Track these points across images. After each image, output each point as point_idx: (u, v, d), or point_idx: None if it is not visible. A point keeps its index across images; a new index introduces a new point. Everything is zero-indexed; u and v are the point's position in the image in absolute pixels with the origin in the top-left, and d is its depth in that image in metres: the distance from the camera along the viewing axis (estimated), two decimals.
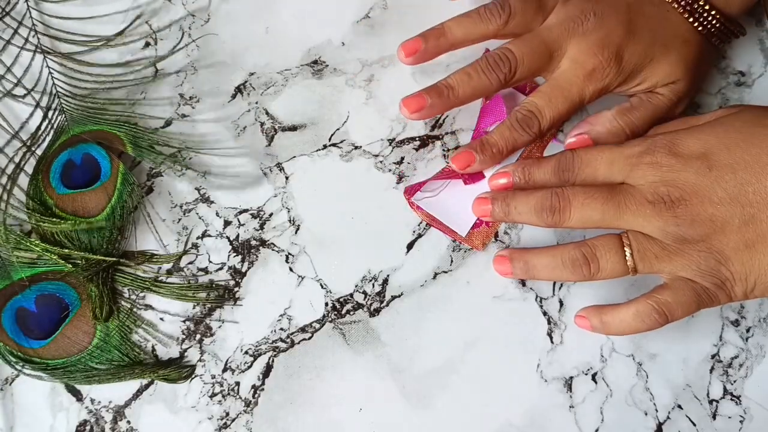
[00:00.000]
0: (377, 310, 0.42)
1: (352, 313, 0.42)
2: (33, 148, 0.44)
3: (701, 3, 0.41)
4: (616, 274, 0.37)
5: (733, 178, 0.35)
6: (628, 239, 0.37)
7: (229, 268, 0.43)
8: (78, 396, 0.41)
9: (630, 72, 0.41)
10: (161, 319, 0.42)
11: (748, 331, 0.43)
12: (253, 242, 0.43)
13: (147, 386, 0.41)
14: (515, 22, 0.41)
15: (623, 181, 0.38)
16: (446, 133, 0.45)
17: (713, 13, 0.41)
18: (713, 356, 0.42)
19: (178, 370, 0.41)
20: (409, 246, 0.43)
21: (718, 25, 0.41)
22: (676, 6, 0.41)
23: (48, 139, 0.44)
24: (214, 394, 0.41)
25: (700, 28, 0.41)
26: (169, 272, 0.42)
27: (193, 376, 0.41)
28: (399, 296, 0.42)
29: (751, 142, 0.36)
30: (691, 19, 0.41)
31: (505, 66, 0.40)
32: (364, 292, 0.42)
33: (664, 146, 0.37)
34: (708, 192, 0.36)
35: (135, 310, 0.42)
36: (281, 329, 0.42)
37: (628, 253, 0.37)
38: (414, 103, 0.41)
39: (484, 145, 0.41)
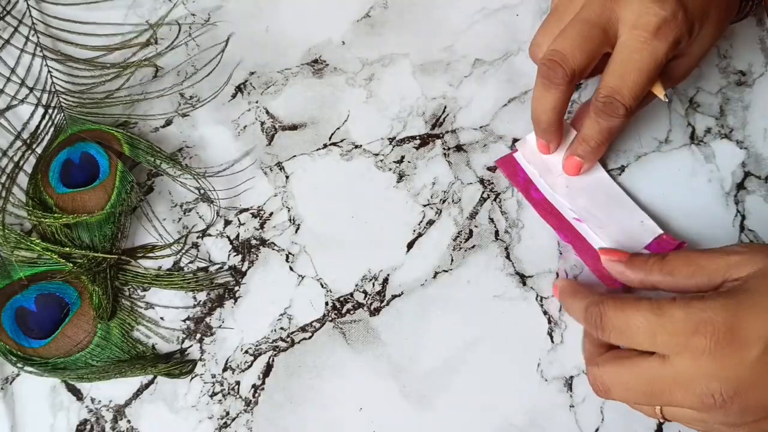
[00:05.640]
0: (377, 310, 0.42)
1: (352, 312, 0.42)
2: (32, 147, 0.44)
3: None
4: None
5: None
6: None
7: (230, 267, 0.43)
8: (78, 395, 0.41)
9: (691, 21, 0.37)
10: (162, 318, 0.42)
11: None
12: (254, 241, 0.43)
13: (147, 385, 0.41)
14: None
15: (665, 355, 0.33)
16: (447, 132, 0.45)
17: None
18: None
19: (179, 364, 0.41)
20: (410, 245, 0.43)
21: None
22: None
23: (47, 138, 0.44)
24: (214, 394, 0.41)
25: None
26: (169, 272, 0.42)
27: (193, 373, 0.41)
28: (399, 295, 0.42)
29: None
30: None
31: (558, 73, 0.37)
32: (365, 292, 0.42)
33: (722, 324, 0.31)
34: (764, 381, 0.31)
35: (135, 308, 0.42)
36: (281, 329, 0.42)
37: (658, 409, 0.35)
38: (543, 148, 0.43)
39: (581, 143, 0.41)
